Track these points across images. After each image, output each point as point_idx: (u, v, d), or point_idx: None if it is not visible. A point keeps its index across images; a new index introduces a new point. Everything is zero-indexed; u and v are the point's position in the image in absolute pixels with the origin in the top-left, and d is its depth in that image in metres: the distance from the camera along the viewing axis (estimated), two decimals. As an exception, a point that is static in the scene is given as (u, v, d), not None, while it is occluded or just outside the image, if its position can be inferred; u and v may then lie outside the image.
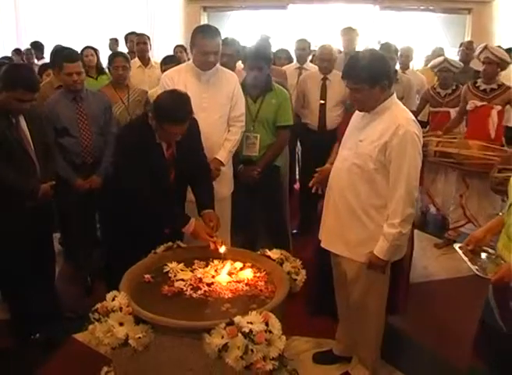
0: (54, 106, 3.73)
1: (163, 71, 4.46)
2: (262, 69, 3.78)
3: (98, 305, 2.36)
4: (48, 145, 3.40)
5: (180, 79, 3.52)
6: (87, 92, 3.84)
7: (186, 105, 2.83)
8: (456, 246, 2.58)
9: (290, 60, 6.07)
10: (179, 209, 3.06)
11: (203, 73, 3.51)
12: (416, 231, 4.78)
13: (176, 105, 2.79)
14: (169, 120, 2.78)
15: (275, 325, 2.18)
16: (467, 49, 6.39)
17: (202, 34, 3.40)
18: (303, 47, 5.63)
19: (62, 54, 3.89)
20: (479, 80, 4.60)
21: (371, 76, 2.50)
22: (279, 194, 4.17)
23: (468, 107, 4.59)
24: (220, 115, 3.59)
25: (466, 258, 2.43)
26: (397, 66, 5.60)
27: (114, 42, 8.04)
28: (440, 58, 5.22)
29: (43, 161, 3.25)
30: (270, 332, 2.14)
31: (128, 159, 2.90)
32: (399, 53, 6.17)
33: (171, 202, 2.96)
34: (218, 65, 3.59)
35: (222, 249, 2.85)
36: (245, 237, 3.92)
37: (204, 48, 3.40)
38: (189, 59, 5.93)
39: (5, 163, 3.03)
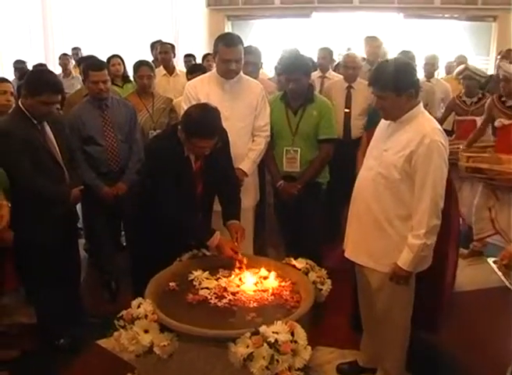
0: (79, 114, 3.76)
1: (189, 80, 4.50)
2: (300, 81, 3.62)
3: (123, 312, 2.38)
4: (73, 153, 3.44)
5: (203, 88, 3.52)
6: (112, 100, 3.87)
7: (216, 119, 2.80)
8: (491, 261, 2.53)
9: (315, 68, 6.05)
10: (205, 222, 3.05)
11: (226, 82, 3.51)
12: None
13: (205, 120, 2.75)
14: (198, 135, 2.73)
15: (301, 335, 2.17)
16: (504, 58, 6.22)
17: (223, 42, 3.40)
18: (323, 55, 5.61)
19: (88, 62, 3.94)
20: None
21: (397, 85, 2.49)
22: (319, 213, 3.84)
23: (496, 124, 4.49)
24: (243, 124, 3.56)
25: (500, 273, 2.38)
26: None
27: (78, 51, 8.19)
28: (461, 66, 5.17)
29: (69, 167, 3.29)
30: (295, 342, 2.14)
31: (156, 171, 2.90)
32: (423, 61, 6.15)
33: (196, 215, 2.95)
34: (241, 73, 3.58)
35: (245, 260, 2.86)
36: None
37: (225, 55, 3.40)
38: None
39: (35, 171, 3.05)
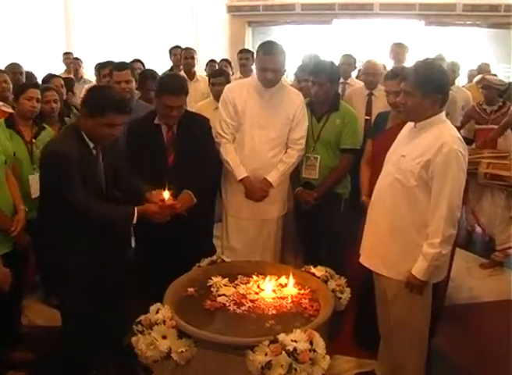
0: None
1: (211, 84, 4.54)
2: (324, 85, 3.57)
3: (142, 317, 2.38)
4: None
5: (242, 93, 3.47)
6: (137, 103, 3.83)
7: (182, 81, 3.25)
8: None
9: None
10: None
11: (266, 91, 3.43)
12: (461, 251, 4.69)
13: (171, 79, 3.25)
14: (166, 91, 3.06)
15: (320, 344, 2.16)
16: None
17: (263, 50, 3.37)
18: (344, 62, 5.58)
19: (112, 63, 3.93)
20: None
21: (427, 85, 2.49)
22: (338, 225, 3.73)
23: None
24: (277, 135, 3.47)
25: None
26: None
27: (70, 55, 7.87)
28: (479, 76, 5.14)
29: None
30: (314, 351, 2.12)
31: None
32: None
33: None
34: (284, 83, 3.54)
35: (166, 195, 2.85)
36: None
37: (261, 63, 3.37)
38: (233, 74, 6.01)
39: (97, 200, 2.69)
